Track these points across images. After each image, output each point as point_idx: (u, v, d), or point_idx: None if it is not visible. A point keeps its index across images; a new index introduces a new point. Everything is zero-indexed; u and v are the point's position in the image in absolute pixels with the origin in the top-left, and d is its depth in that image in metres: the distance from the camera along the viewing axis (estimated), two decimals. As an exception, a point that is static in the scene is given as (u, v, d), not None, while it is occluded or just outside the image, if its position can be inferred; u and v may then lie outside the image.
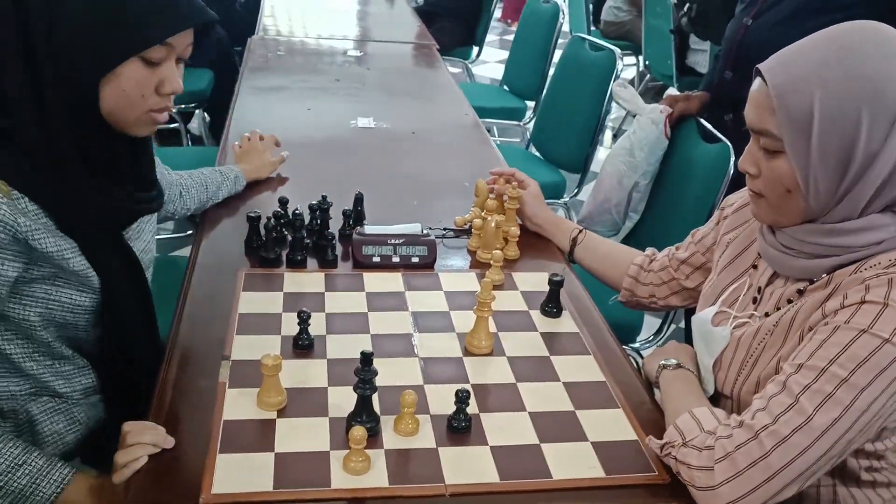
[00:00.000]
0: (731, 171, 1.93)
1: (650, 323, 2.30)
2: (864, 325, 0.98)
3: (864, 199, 1.03)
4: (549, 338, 1.41)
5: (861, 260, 1.05)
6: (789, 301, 1.12)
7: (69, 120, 1.09)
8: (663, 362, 1.26)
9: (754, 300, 1.20)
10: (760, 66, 1.07)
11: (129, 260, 1.27)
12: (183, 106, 3.72)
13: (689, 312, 1.53)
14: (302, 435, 1.12)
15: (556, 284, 1.46)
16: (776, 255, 1.14)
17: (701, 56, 4.44)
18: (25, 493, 1.09)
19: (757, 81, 1.08)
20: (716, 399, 1.23)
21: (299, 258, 1.55)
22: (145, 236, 1.34)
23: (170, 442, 1.08)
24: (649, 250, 1.59)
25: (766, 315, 1.16)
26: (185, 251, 2.97)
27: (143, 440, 1.06)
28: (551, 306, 1.47)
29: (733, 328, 1.20)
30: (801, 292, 1.11)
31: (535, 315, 1.47)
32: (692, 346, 1.32)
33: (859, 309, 1.00)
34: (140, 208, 1.27)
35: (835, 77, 1.00)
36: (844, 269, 1.06)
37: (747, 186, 1.15)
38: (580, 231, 1.69)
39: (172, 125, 3.94)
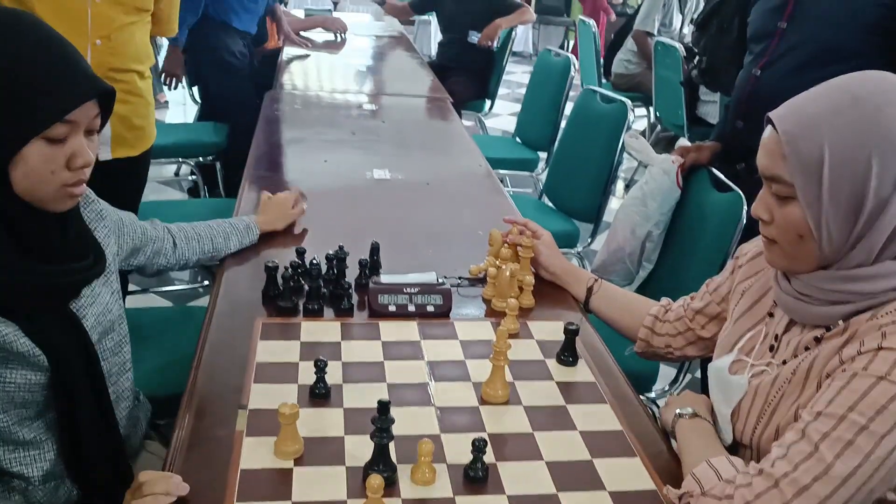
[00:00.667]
0: (744, 220, 1.94)
1: (666, 374, 2.29)
2: (882, 373, 0.98)
3: (877, 245, 1.03)
4: (564, 387, 1.40)
5: (878, 306, 1.05)
6: (806, 348, 1.12)
7: None
8: (679, 411, 1.26)
9: (771, 348, 1.20)
10: (771, 113, 1.09)
11: (77, 331, 1.23)
12: (201, 158, 3.77)
13: (706, 362, 1.53)
14: (319, 484, 1.11)
15: (571, 333, 1.46)
16: (792, 303, 1.14)
17: (711, 107, 4.48)
18: None
19: (768, 129, 1.09)
20: (734, 448, 1.22)
21: (316, 307, 1.57)
22: (102, 299, 1.31)
23: (185, 489, 1.07)
24: (664, 300, 1.59)
25: (784, 363, 1.15)
26: (202, 301, 3.01)
27: (158, 490, 1.06)
28: (567, 355, 1.47)
29: (751, 376, 1.20)
30: (818, 340, 1.11)
31: (551, 364, 1.47)
32: (708, 396, 1.31)
33: (876, 356, 1.00)
34: (78, 279, 1.24)
35: (844, 123, 1.01)
36: (861, 315, 1.06)
37: (760, 233, 1.16)
38: (596, 280, 1.70)
39: (191, 177, 3.99)
